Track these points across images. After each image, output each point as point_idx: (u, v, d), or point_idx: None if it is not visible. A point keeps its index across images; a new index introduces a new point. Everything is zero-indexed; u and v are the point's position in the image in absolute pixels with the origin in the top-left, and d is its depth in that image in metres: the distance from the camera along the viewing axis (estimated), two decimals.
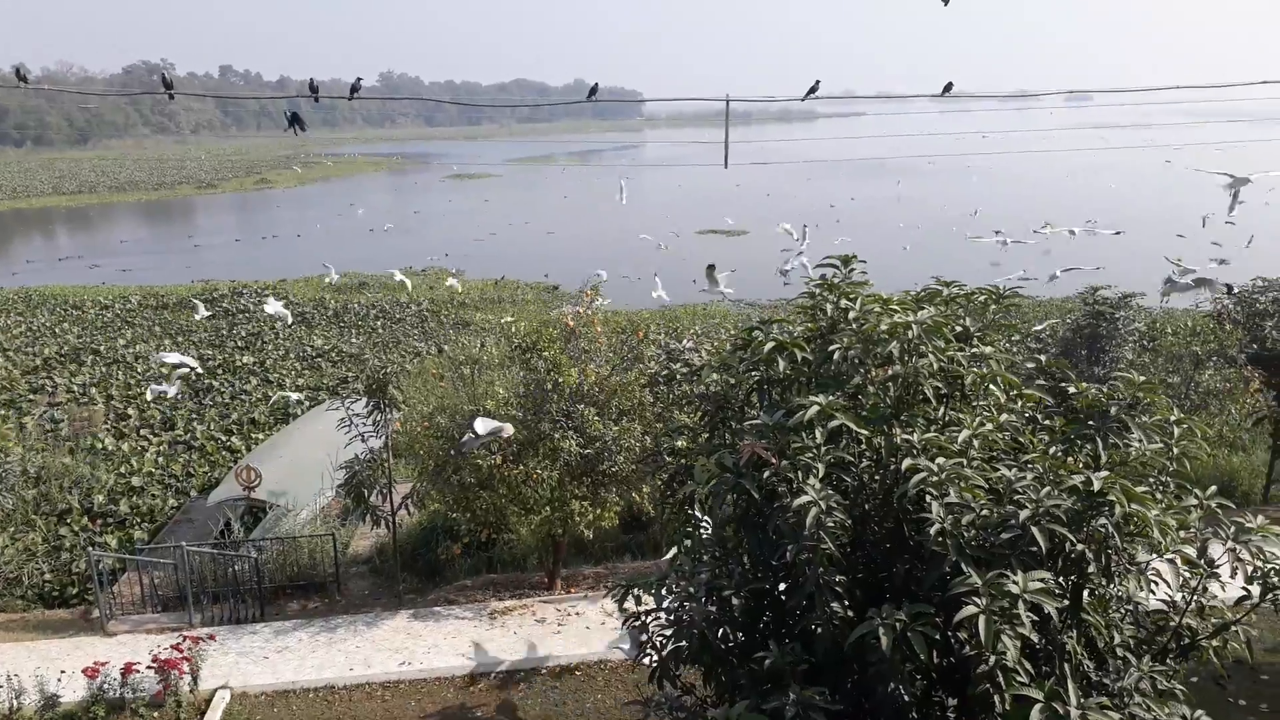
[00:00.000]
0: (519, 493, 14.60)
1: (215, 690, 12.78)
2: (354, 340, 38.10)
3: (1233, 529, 6.37)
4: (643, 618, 7.51)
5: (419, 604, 15.53)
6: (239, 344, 36.94)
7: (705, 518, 7.97)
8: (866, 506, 6.68)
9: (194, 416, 27.57)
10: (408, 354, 35.23)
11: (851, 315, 7.04)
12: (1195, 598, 6.77)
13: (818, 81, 13.14)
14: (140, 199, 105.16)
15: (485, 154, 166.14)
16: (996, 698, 5.51)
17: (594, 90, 14.40)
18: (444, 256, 60.20)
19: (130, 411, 27.97)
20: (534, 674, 13.38)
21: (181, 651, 12.55)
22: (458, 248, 64.29)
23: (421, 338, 38.47)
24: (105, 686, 12.15)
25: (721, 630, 6.80)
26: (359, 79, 13.41)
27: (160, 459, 24.00)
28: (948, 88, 12.82)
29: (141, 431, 26.25)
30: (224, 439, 25.72)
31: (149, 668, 12.30)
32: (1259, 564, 6.43)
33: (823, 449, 6.23)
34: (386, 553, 16.84)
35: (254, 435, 26.03)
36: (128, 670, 12.22)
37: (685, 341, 14.29)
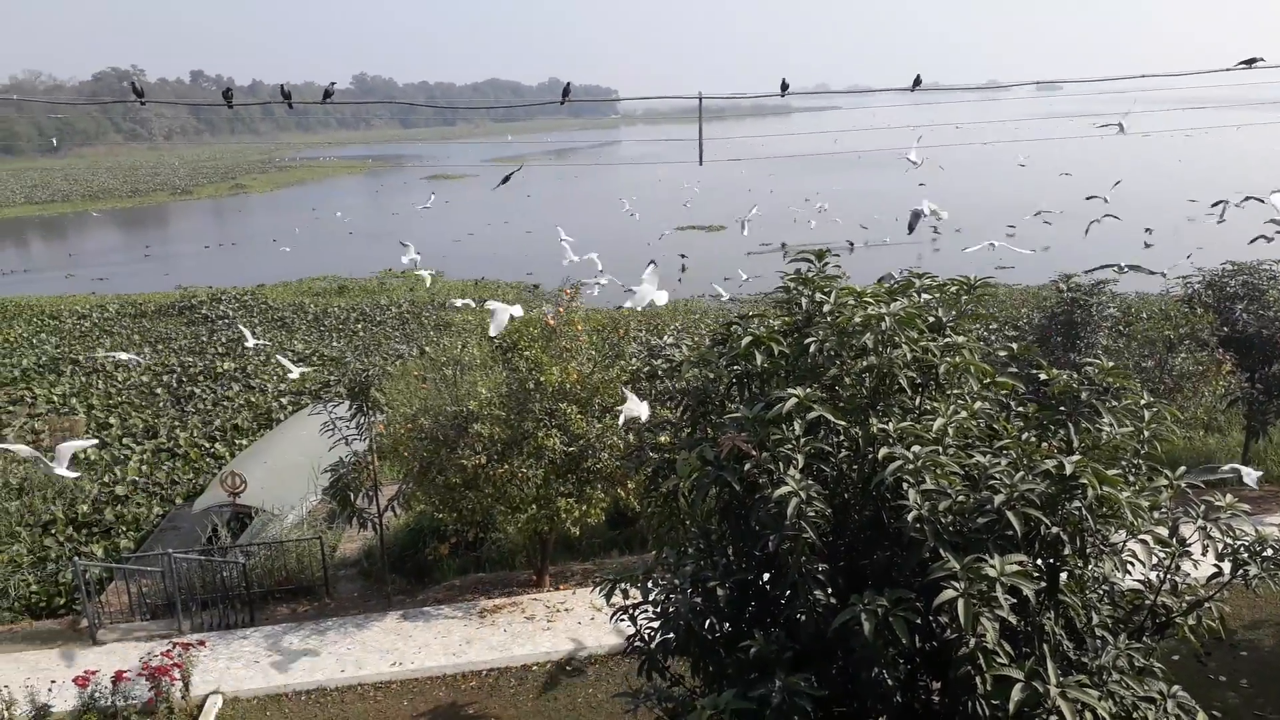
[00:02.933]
0: (505, 492, 14.67)
1: (207, 695, 12.80)
2: (335, 344, 37.99)
3: (1203, 508, 6.56)
4: (631, 611, 7.63)
5: (408, 605, 15.59)
6: (219, 350, 36.77)
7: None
8: (846, 495, 6.82)
9: (177, 424, 27.45)
10: (389, 356, 35.16)
11: (826, 309, 7.18)
12: (1169, 576, 6.95)
13: (785, 80, 13.27)
14: (115, 206, 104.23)
15: (461, 154, 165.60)
16: (978, 679, 5.65)
17: (567, 90, 14.48)
18: (417, 255, 59.96)
19: (112, 420, 27.81)
20: (525, 670, 13.48)
21: (172, 658, 12.57)
22: (436, 248, 64.08)
23: (403, 340, 38.39)
24: (96, 695, 12.16)
25: (708, 621, 6.92)
26: (332, 84, 13.43)
27: (144, 467, 23.89)
28: (917, 81, 12.97)
29: (124, 440, 26.11)
30: (207, 445, 25.63)
31: (140, 675, 12.33)
32: (1229, 541, 6.62)
33: (802, 440, 6.35)
34: (374, 555, 16.88)
35: (238, 441, 25.94)
36: (118, 678, 12.23)
37: (666, 337, 14.39)
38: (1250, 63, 12.10)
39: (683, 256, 23.46)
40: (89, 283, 56.43)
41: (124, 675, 12.27)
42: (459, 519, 15.48)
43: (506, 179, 13.23)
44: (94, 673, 12.36)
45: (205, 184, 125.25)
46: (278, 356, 29.97)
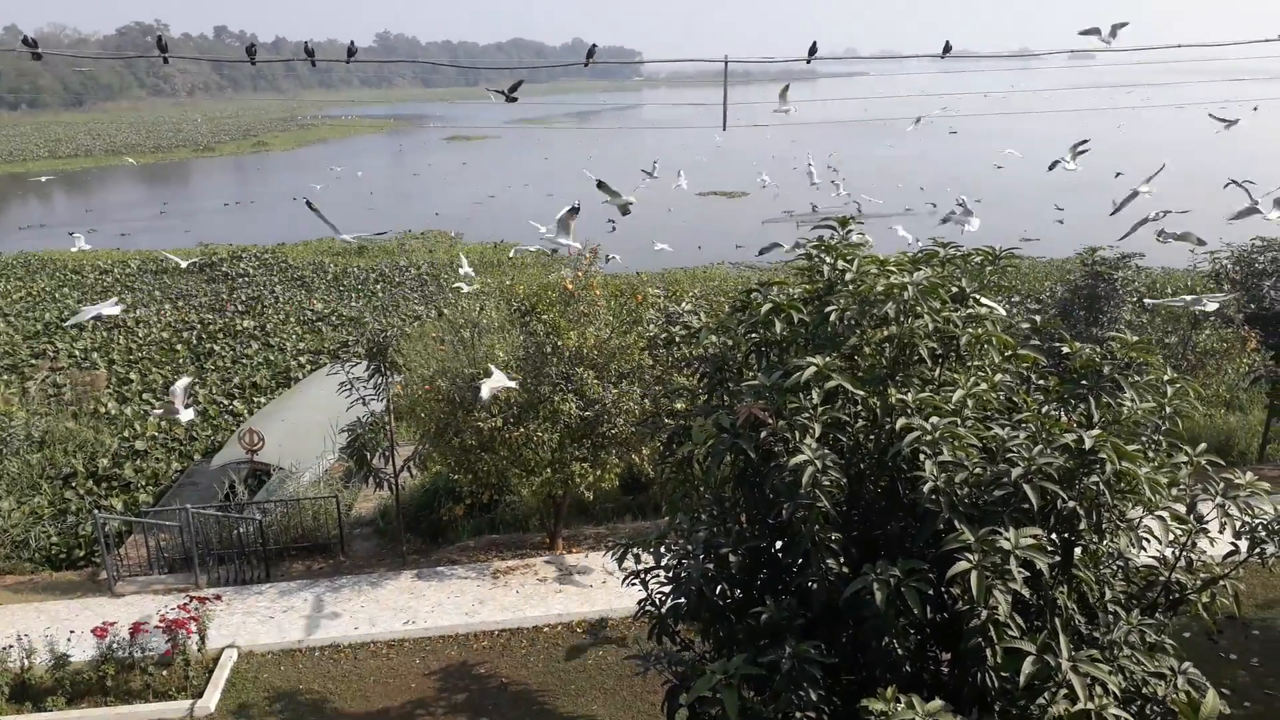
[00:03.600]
0: (520, 455, 14.72)
1: (223, 649, 12.99)
2: (354, 304, 38.10)
3: (1222, 485, 6.48)
4: (642, 575, 7.65)
5: (422, 564, 15.72)
6: (239, 308, 36.95)
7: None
8: (862, 465, 6.78)
9: (196, 381, 27.66)
10: (407, 317, 35.23)
11: (848, 277, 7.10)
12: (1184, 553, 6.89)
13: (815, 43, 13.05)
14: (138, 162, 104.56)
15: (482, 115, 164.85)
16: (988, 651, 5.64)
17: (592, 51, 14.27)
18: (434, 216, 60.08)
19: (133, 376, 28.06)
20: (536, 631, 13.59)
21: (189, 611, 12.73)
22: (457, 210, 64.02)
23: (421, 301, 38.45)
24: (114, 646, 12.34)
25: (719, 587, 6.94)
26: (353, 43, 13.35)
27: (163, 423, 24.11)
28: (947, 48, 12.74)
29: (144, 396, 26.36)
30: (226, 403, 25.83)
31: (157, 627, 12.50)
32: (1247, 519, 6.55)
33: (819, 409, 6.31)
34: (390, 514, 17.02)
35: (256, 399, 26.14)
36: (136, 630, 12.41)
37: (684, 304, 14.33)
38: None
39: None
40: (112, 238, 56.70)
41: (141, 627, 12.45)
42: (474, 481, 15.57)
43: (513, 90, 13.05)
44: (112, 624, 12.54)
45: (227, 141, 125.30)
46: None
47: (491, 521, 17.21)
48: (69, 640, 12.81)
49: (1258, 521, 6.61)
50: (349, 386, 15.20)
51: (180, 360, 29.91)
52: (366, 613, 14.03)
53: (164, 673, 12.36)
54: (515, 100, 13.21)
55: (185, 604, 12.93)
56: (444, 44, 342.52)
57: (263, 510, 16.11)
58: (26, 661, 12.34)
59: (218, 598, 13.89)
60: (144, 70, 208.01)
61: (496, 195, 71.43)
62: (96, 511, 16.44)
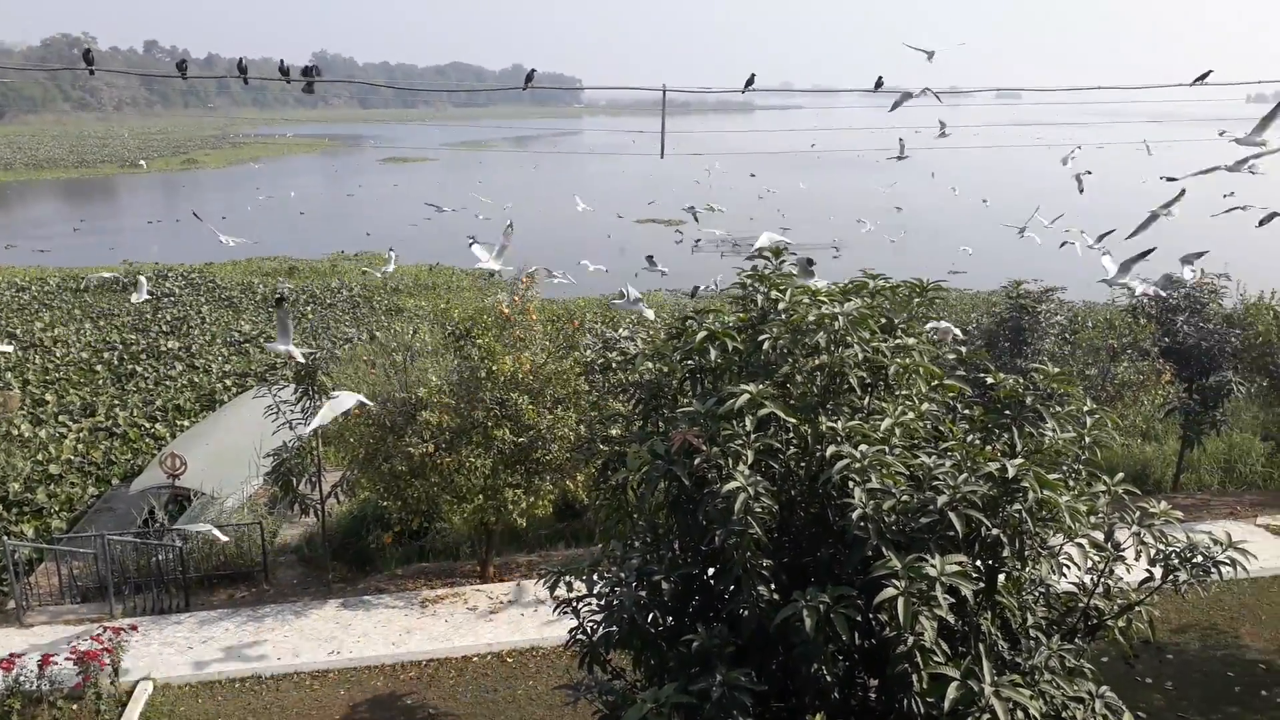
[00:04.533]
0: (452, 481, 14.54)
1: (137, 682, 12.53)
2: (268, 346, 37.39)
3: (1138, 514, 6.69)
4: (574, 604, 7.60)
5: (349, 593, 15.40)
6: (164, 328, 36.00)
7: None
8: (793, 492, 6.85)
9: (116, 402, 26.82)
10: (338, 340, 34.69)
11: (781, 306, 7.19)
12: (1102, 580, 7.08)
13: (753, 75, 13.29)
14: (60, 177, 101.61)
15: (420, 137, 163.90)
16: (915, 677, 5.71)
17: (530, 76, 14.36)
18: (365, 236, 59.48)
19: (48, 397, 27.10)
20: (466, 661, 13.38)
21: (102, 643, 12.26)
22: (391, 231, 63.37)
23: (353, 323, 37.91)
24: (21, 679, 11.80)
25: (651, 614, 6.92)
26: (311, 65, 13.20)
27: (80, 446, 23.31)
28: (879, 83, 13.06)
29: (60, 418, 25.45)
30: (148, 425, 25.07)
31: (68, 659, 11.99)
32: (1161, 547, 6.77)
33: (752, 436, 6.37)
34: (316, 541, 16.65)
35: (179, 422, 25.42)
36: (45, 662, 11.89)
37: (621, 330, 14.38)
38: (1202, 78, 12.39)
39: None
40: (30, 255, 54.90)
41: (51, 659, 11.94)
42: (404, 507, 15.31)
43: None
44: (19, 656, 12.03)
45: (156, 157, 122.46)
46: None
47: (421, 549, 16.94)
48: None
49: (1171, 549, 6.83)
50: (276, 410, 14.88)
51: (100, 382, 28.99)
52: (290, 643, 13.67)
53: (74, 707, 11.87)
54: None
55: (98, 634, 12.45)
56: (382, 65, 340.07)
57: (183, 537, 15.65)
58: None
59: (133, 628, 13.40)
60: (69, 83, 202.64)
61: (432, 218, 70.92)
62: (5, 538, 15.77)
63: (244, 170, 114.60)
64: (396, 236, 60.59)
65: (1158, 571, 6.92)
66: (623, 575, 7.23)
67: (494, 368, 14.61)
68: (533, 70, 14.95)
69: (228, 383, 29.09)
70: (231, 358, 32.38)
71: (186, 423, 25.09)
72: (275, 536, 17.47)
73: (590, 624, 7.43)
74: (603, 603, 7.23)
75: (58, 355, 31.59)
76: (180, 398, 27.52)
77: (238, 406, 22.44)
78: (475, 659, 13.43)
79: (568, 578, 7.70)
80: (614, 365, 9.53)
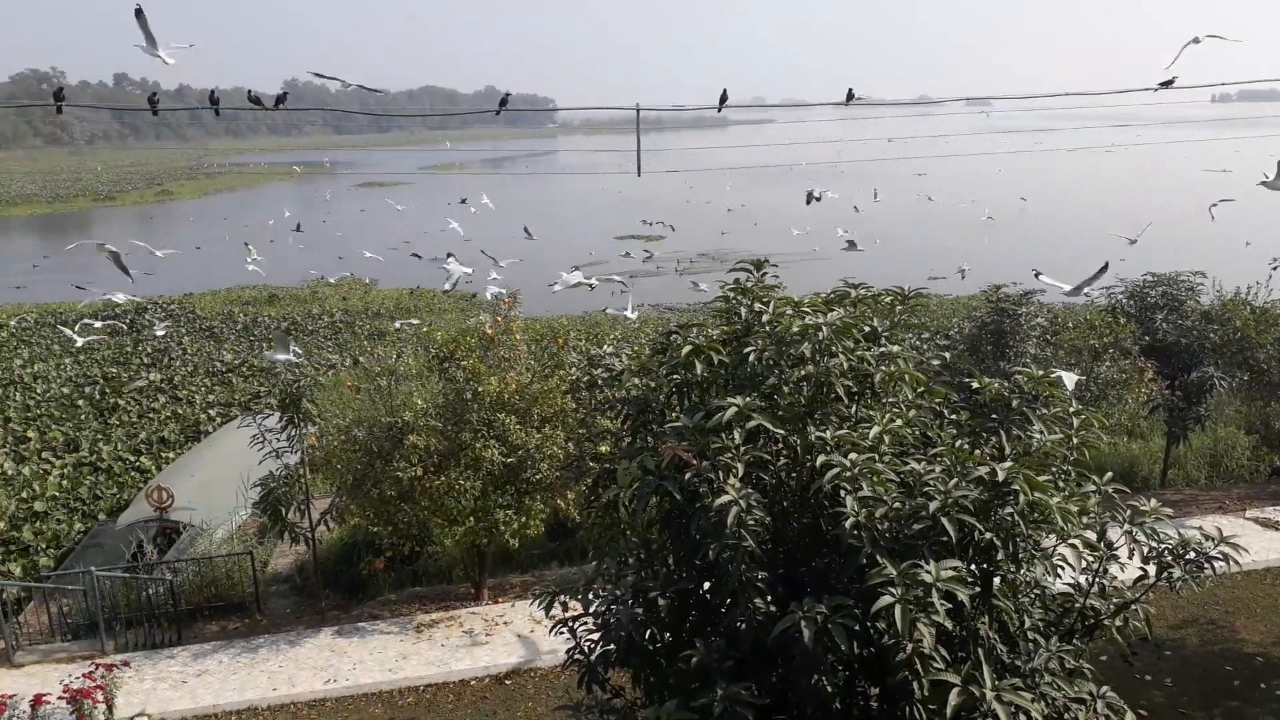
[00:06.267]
0: (442, 504, 14.48)
1: (133, 717, 12.40)
2: (265, 354, 37.21)
3: (1129, 512, 6.72)
4: (570, 623, 7.56)
5: (343, 620, 15.29)
6: (145, 361, 35.76)
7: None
8: (785, 503, 6.85)
9: (100, 437, 26.59)
10: (321, 366, 34.55)
11: (765, 318, 7.20)
12: (1097, 579, 7.10)
13: (725, 91, 13.35)
14: (34, 213, 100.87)
15: (395, 161, 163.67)
16: (915, 684, 5.70)
17: (505, 101, 14.38)
18: (337, 259, 59.24)
19: (30, 434, 26.84)
20: (464, 685, 13.30)
21: (94, 680, 12.11)
22: (370, 256, 63.15)
23: (335, 349, 37.79)
24: (14, 719, 11.69)
25: (648, 631, 6.89)
26: (283, 92, 13.21)
27: (65, 482, 23.10)
28: (850, 95, 13.15)
29: (43, 454, 25.21)
30: (132, 459, 24.88)
31: (60, 698, 11.84)
32: (1154, 544, 6.79)
33: (741, 449, 6.37)
34: (307, 570, 16.53)
35: (164, 455, 25.24)
36: (38, 702, 11.74)
37: (606, 347, 14.38)
38: (1167, 84, 12.54)
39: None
40: (8, 291, 54.44)
41: (44, 699, 11.78)
42: (394, 532, 15.24)
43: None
44: (11, 696, 11.88)
45: (130, 190, 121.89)
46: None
47: (414, 574, 16.85)
48: None
49: (1163, 546, 6.85)
50: (261, 439, 14.80)
51: (82, 416, 28.74)
52: (285, 673, 13.55)
53: None
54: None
55: (91, 672, 12.30)
56: (355, 91, 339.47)
57: (173, 570, 15.50)
58: None
59: (126, 664, 13.26)
60: (39, 118, 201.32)
61: (411, 240, 70.75)
62: None
63: (220, 199, 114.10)
64: (375, 262, 60.41)
65: (1152, 569, 6.94)
66: (618, 593, 7.20)
67: (479, 389, 14.59)
68: (507, 94, 14.95)
69: (212, 413, 28.92)
70: (215, 388, 32.18)
71: (172, 455, 24.94)
72: (266, 566, 17.36)
73: (587, 643, 7.39)
74: (599, 621, 7.19)
75: (38, 391, 31.32)
76: (164, 430, 27.33)
77: (223, 437, 22.32)
78: (473, 682, 13.35)
79: (563, 597, 7.66)
80: (600, 382, 9.51)
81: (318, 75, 13.24)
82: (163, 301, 47.04)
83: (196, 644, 14.58)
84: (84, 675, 12.20)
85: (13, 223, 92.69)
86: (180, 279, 56.08)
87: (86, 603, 14.67)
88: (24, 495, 22.04)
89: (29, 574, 18.12)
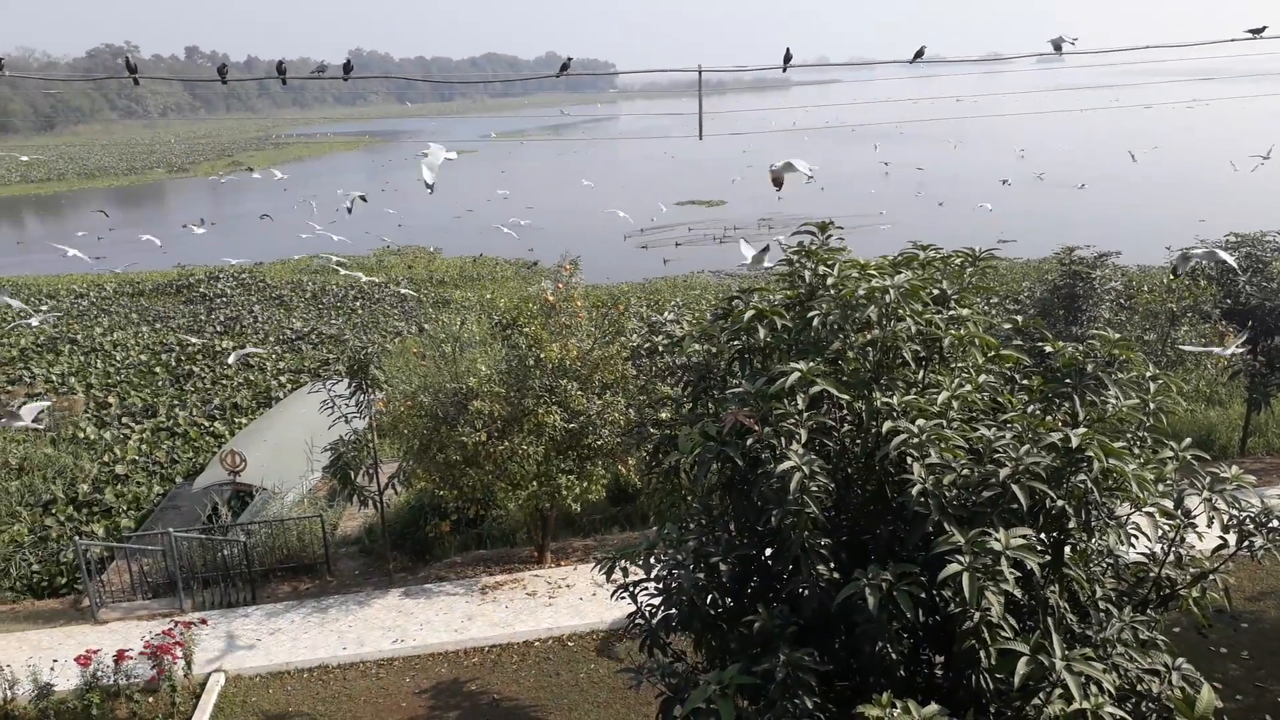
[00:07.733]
0: (505, 469, 14.64)
1: (209, 673, 12.84)
2: (334, 321, 37.90)
3: (1208, 479, 6.49)
4: (632, 588, 7.59)
5: (410, 582, 15.60)
6: (218, 329, 36.69)
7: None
8: (849, 470, 6.76)
9: (176, 403, 27.41)
10: (388, 334, 35.09)
11: (830, 281, 7.08)
12: (1173, 549, 6.90)
13: (789, 51, 13.08)
14: (111, 185, 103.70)
15: (458, 130, 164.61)
16: (982, 653, 5.61)
17: (566, 65, 14.30)
18: (397, 228, 59.85)
19: (111, 400, 27.77)
20: (527, 646, 13.50)
21: (174, 636, 12.57)
22: (436, 223, 63.88)
23: (401, 317, 38.32)
24: (99, 674, 12.16)
25: (710, 596, 6.89)
26: (348, 61, 13.32)
27: (143, 446, 23.88)
28: (919, 53, 12.78)
29: (123, 420, 26.08)
30: (207, 424, 25.61)
31: (141, 654, 12.33)
32: (1234, 513, 6.56)
33: (804, 415, 6.29)
34: (375, 532, 16.88)
35: (237, 420, 25.93)
36: (120, 657, 12.24)
37: (666, 313, 14.32)
38: (1257, 32, 11.94)
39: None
40: (87, 262, 56.13)
41: (126, 654, 12.28)
42: (460, 496, 15.47)
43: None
44: (96, 651, 12.36)
45: (202, 161, 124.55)
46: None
47: (478, 537, 17.10)
48: (52, 669, 12.62)
49: (1245, 514, 6.62)
50: (330, 405, 15.09)
51: (159, 383, 29.64)
52: (355, 632, 13.90)
53: (150, 699, 12.19)
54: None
55: (170, 629, 12.77)
56: (418, 60, 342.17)
57: (247, 532, 15.95)
58: (9, 693, 12.15)
59: (203, 621, 13.73)
60: (115, 92, 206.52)
61: (475, 209, 71.29)
62: (77, 538, 16.23)
63: (289, 169, 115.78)
64: (442, 228, 61.05)
65: (1232, 538, 6.72)
66: (679, 558, 7.20)
67: (541, 355, 14.66)
68: (569, 59, 14.90)
69: (282, 379, 29.59)
70: (285, 355, 32.89)
71: (244, 420, 25.58)
72: (336, 529, 17.76)
73: (649, 608, 7.42)
74: (661, 586, 7.21)
75: (118, 359, 32.34)
76: (237, 396, 28.05)
77: (293, 403, 22.82)
78: (536, 643, 13.54)
79: (624, 562, 7.68)
80: (660, 349, 9.45)
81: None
82: (233, 270, 48.09)
83: (269, 603, 15.01)
84: (164, 632, 12.66)
85: (90, 194, 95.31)
86: (251, 248, 57.22)
87: (165, 563, 15.18)
88: (106, 459, 22.85)
89: (111, 534, 18.81)
